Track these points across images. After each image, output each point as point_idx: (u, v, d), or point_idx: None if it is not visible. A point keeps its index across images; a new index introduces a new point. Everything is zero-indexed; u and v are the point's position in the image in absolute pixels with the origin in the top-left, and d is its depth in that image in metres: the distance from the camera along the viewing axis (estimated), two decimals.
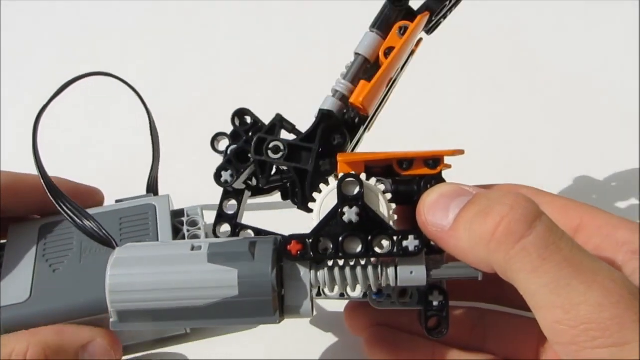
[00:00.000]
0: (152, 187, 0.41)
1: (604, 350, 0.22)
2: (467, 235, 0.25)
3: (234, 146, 0.32)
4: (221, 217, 0.32)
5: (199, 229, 0.39)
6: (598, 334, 0.22)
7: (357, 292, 0.30)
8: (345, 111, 0.30)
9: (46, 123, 0.32)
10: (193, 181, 0.40)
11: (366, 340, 0.34)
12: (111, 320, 0.27)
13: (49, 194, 0.30)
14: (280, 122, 0.30)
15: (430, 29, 0.32)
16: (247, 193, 0.33)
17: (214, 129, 0.48)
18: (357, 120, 0.30)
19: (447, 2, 0.31)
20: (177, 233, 0.39)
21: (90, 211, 0.38)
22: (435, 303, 0.30)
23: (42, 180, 0.30)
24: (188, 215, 0.40)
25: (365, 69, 0.30)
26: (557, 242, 0.24)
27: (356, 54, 0.30)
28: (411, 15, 0.30)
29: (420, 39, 0.32)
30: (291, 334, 0.36)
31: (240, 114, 0.33)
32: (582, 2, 0.58)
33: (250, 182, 0.32)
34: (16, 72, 0.57)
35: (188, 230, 0.39)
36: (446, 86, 0.54)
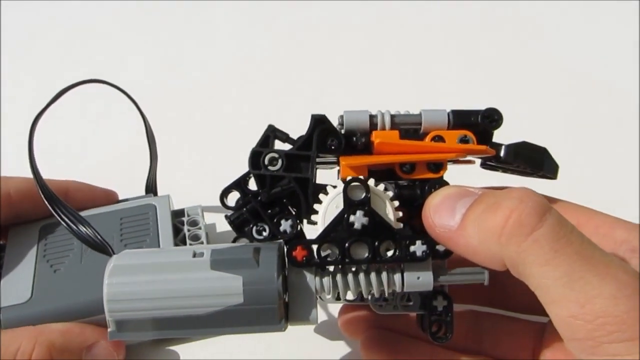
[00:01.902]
0: (151, 188, 0.41)
1: (620, 345, 0.21)
2: (476, 232, 0.25)
3: (254, 229, 0.29)
4: None
5: (200, 228, 0.39)
6: (614, 328, 0.21)
7: (353, 296, 0.29)
8: (358, 134, 0.29)
9: (46, 124, 0.31)
10: (193, 181, 0.40)
11: (362, 343, 0.33)
12: (109, 330, 0.26)
13: (44, 198, 0.29)
14: (273, 133, 0.29)
15: (486, 165, 0.31)
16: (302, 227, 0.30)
17: (214, 129, 0.48)
18: (361, 148, 0.29)
19: (514, 166, 0.30)
20: (177, 233, 0.38)
21: (91, 211, 0.39)
22: (439, 308, 0.30)
23: (37, 185, 0.29)
24: (188, 215, 0.40)
25: (413, 129, 0.29)
26: (568, 235, 0.23)
27: (420, 112, 0.29)
28: (485, 138, 0.29)
29: (472, 161, 0.31)
30: (287, 336, 0.35)
31: (225, 194, 0.30)
32: (582, 1, 0.57)
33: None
34: (16, 71, 0.56)
35: (189, 230, 0.39)
36: (446, 87, 0.53)
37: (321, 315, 0.37)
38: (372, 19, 0.58)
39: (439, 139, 0.29)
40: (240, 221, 0.30)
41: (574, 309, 0.22)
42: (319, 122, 0.29)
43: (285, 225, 0.29)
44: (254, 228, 0.29)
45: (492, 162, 0.30)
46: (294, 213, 0.29)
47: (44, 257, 0.36)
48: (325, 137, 0.29)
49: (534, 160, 0.29)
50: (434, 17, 0.59)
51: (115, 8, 0.59)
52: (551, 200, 0.31)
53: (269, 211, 0.29)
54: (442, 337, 0.30)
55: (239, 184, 0.30)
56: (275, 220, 0.29)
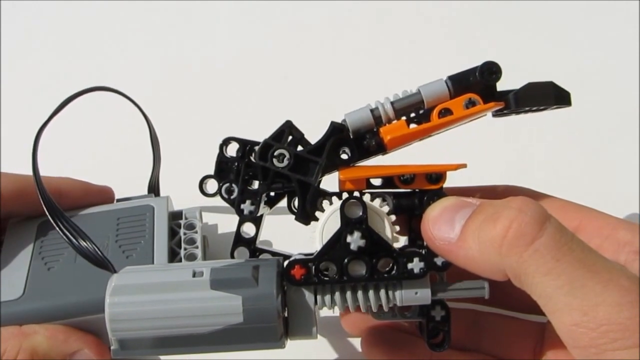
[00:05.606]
0: (153, 189, 0.41)
1: (625, 352, 0.21)
2: (476, 244, 0.25)
3: (226, 184, 0.30)
4: (239, 242, 0.30)
5: (196, 232, 0.38)
6: (618, 335, 0.21)
7: (352, 310, 0.29)
8: (368, 136, 0.28)
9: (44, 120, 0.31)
10: (196, 182, 0.39)
11: (364, 340, 0.34)
12: (112, 348, 0.27)
13: (47, 212, 0.29)
14: (289, 129, 0.29)
15: (498, 115, 0.31)
16: (265, 216, 0.31)
17: (217, 129, 0.47)
18: (375, 148, 0.28)
19: (527, 109, 0.29)
20: (174, 236, 0.38)
21: (90, 210, 0.38)
22: (437, 318, 0.30)
23: (40, 198, 0.29)
24: (186, 218, 0.39)
25: (416, 108, 0.29)
26: (569, 243, 0.23)
27: (418, 90, 0.28)
28: (489, 93, 0.28)
29: (484, 114, 0.30)
30: None
31: (227, 142, 0.31)
32: (582, 1, 0.56)
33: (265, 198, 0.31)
34: (17, 71, 0.55)
35: (185, 234, 0.38)
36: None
37: (322, 312, 0.37)
38: (372, 16, 0.57)
39: (445, 112, 0.28)
40: (225, 166, 0.31)
41: (577, 317, 0.22)
42: (337, 131, 0.28)
43: (247, 206, 0.29)
44: (225, 185, 0.30)
45: (503, 111, 0.30)
46: (265, 200, 0.30)
47: (39, 254, 0.36)
48: (338, 147, 0.29)
49: (544, 97, 0.29)
50: (433, 13, 0.57)
51: (115, 7, 0.58)
52: (553, 199, 0.31)
53: (252, 185, 0.30)
54: (439, 345, 0.30)
55: (246, 143, 0.30)
56: (243, 194, 0.29)
